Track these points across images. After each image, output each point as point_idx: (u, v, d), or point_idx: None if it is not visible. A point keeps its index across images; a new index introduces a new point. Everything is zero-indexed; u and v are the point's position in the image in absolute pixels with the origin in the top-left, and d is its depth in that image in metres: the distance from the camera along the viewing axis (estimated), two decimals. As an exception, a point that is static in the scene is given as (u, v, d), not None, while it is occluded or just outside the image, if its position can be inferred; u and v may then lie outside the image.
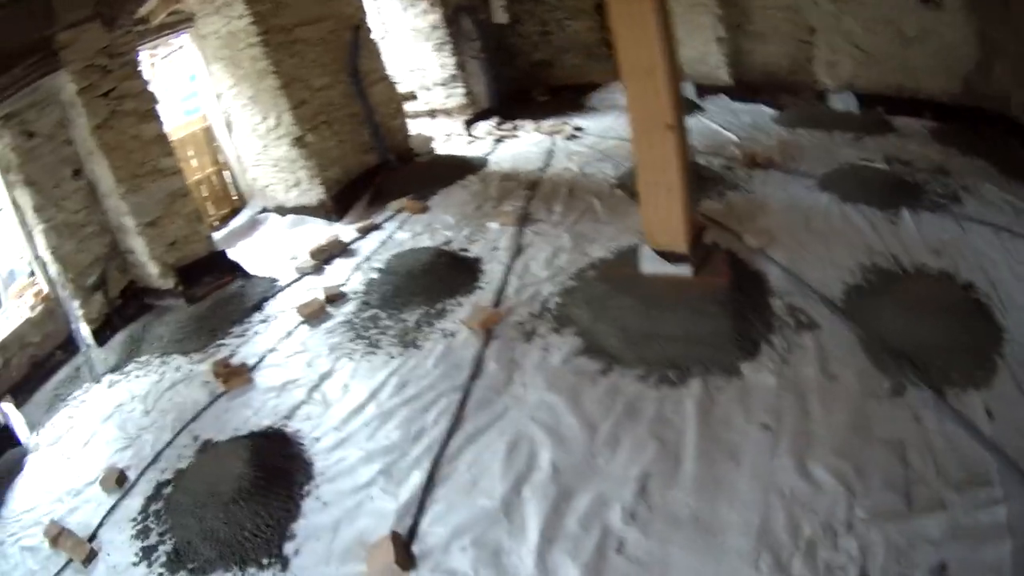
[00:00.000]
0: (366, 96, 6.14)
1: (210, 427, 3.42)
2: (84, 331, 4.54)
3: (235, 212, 6.36)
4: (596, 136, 6.64)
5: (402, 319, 3.91)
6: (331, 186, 5.79)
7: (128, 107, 4.46)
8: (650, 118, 3.12)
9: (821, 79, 6.11)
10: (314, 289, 4.58)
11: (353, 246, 5.17)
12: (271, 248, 5.64)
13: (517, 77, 8.27)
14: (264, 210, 6.26)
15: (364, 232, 5.35)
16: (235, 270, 4.94)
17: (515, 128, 7.48)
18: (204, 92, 5.99)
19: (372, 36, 6.34)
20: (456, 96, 7.66)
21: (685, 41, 6.98)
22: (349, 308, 4.22)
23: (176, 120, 6.13)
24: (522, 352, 3.38)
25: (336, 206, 5.79)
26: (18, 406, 3.96)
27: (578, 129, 6.92)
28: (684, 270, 3.41)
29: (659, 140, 3.14)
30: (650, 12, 2.94)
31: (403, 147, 6.63)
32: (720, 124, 6.20)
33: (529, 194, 5.38)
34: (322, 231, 5.65)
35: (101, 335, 4.58)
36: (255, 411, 3.46)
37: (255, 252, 5.62)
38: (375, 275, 4.52)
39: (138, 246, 4.64)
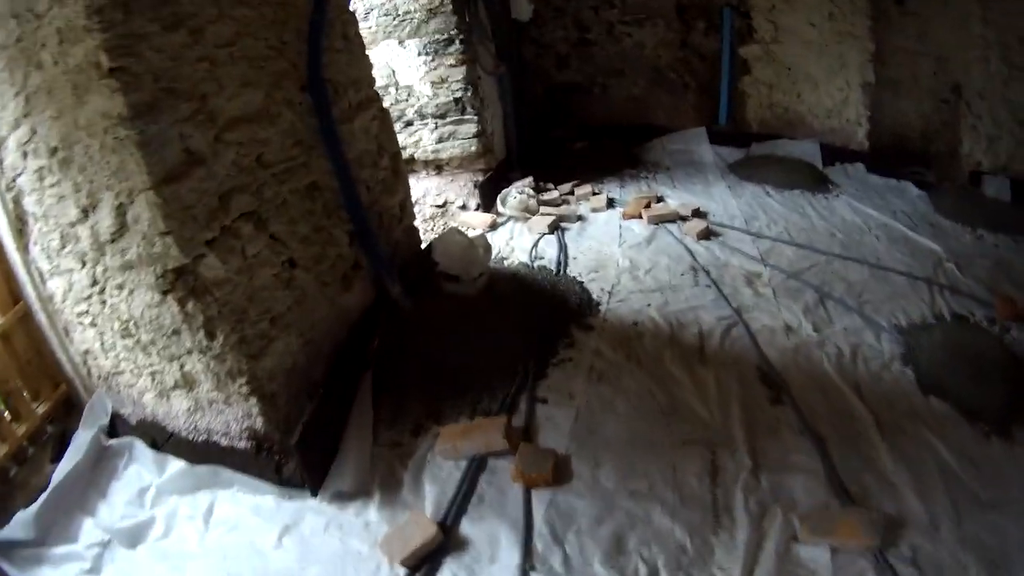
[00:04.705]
0: (339, 140, 2.56)
1: None
2: None
3: (68, 415, 2.27)
4: (738, 232, 3.83)
5: None
6: (275, 395, 2.08)
7: None
8: None
9: (973, 155, 4.33)
10: None
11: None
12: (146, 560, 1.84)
13: (529, 107, 5.13)
14: (116, 425, 2.25)
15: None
16: None
17: (561, 199, 4.37)
18: None
19: (351, 9, 2.78)
20: (460, 139, 4.25)
21: (820, 84, 4.70)
22: None
23: None
24: None
25: (302, 450, 2.07)
26: None
27: (698, 213, 4.04)
28: None
29: None
30: None
31: (413, 255, 3.13)
32: (888, 216, 3.97)
33: (795, 421, 2.27)
34: (273, 529, 2.00)
35: None
36: None
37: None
38: None
39: None
